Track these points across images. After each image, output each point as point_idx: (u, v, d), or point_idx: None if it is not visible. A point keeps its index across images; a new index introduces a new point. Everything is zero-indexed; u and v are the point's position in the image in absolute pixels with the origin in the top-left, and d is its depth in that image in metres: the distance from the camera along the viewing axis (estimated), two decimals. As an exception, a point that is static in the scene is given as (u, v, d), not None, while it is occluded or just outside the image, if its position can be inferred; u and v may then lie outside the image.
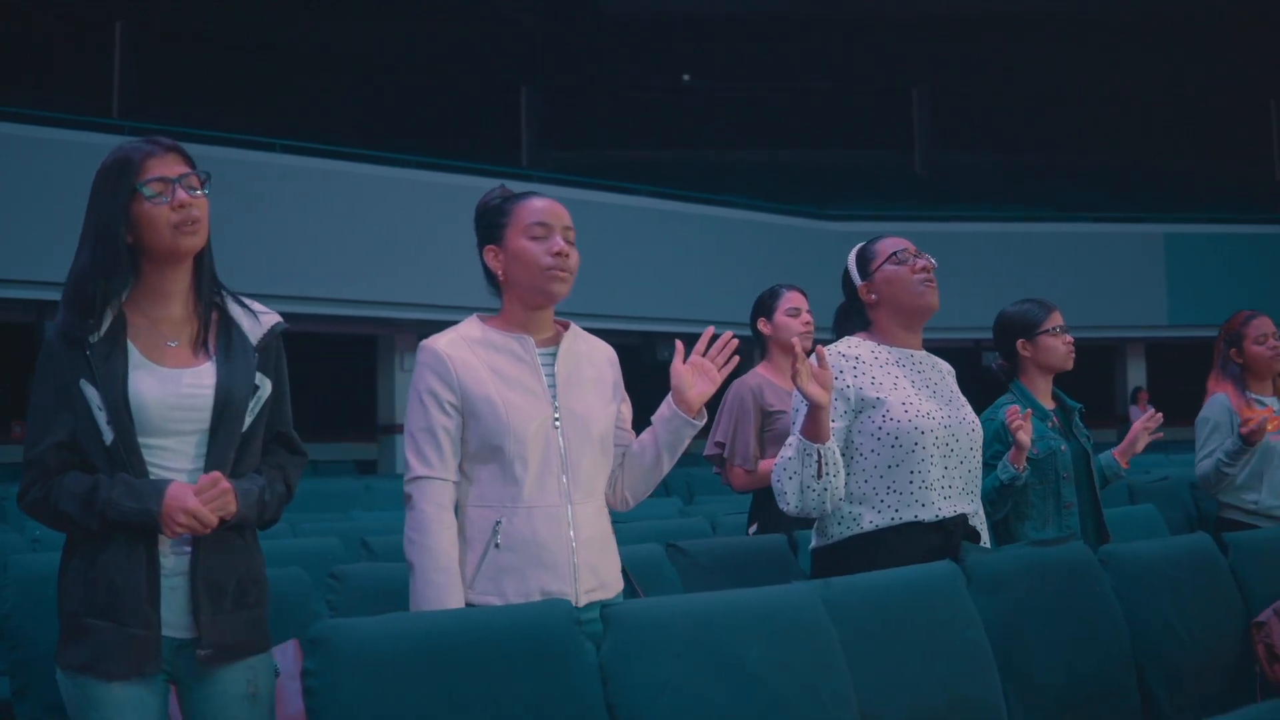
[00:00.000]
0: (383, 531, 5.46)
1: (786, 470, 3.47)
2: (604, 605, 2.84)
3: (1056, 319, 4.52)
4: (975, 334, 18.84)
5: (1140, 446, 4.71)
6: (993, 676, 3.33)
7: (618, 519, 3.59)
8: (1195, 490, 7.30)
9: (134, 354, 2.72)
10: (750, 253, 17.65)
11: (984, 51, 21.88)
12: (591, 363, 3.23)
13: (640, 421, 3.32)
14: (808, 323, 4.97)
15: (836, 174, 22.89)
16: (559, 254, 3.10)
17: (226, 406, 2.75)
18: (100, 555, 2.67)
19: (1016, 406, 4.22)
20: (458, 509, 3.06)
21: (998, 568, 3.54)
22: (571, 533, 3.05)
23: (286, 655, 3.18)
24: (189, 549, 2.72)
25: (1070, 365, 4.52)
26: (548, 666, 2.64)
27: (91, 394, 2.67)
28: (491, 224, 3.19)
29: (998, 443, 4.25)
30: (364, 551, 4.63)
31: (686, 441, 3.22)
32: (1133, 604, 3.79)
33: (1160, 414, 4.72)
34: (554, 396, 3.10)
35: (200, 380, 2.75)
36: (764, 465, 4.77)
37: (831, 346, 3.65)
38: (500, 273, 3.15)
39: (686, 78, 24.02)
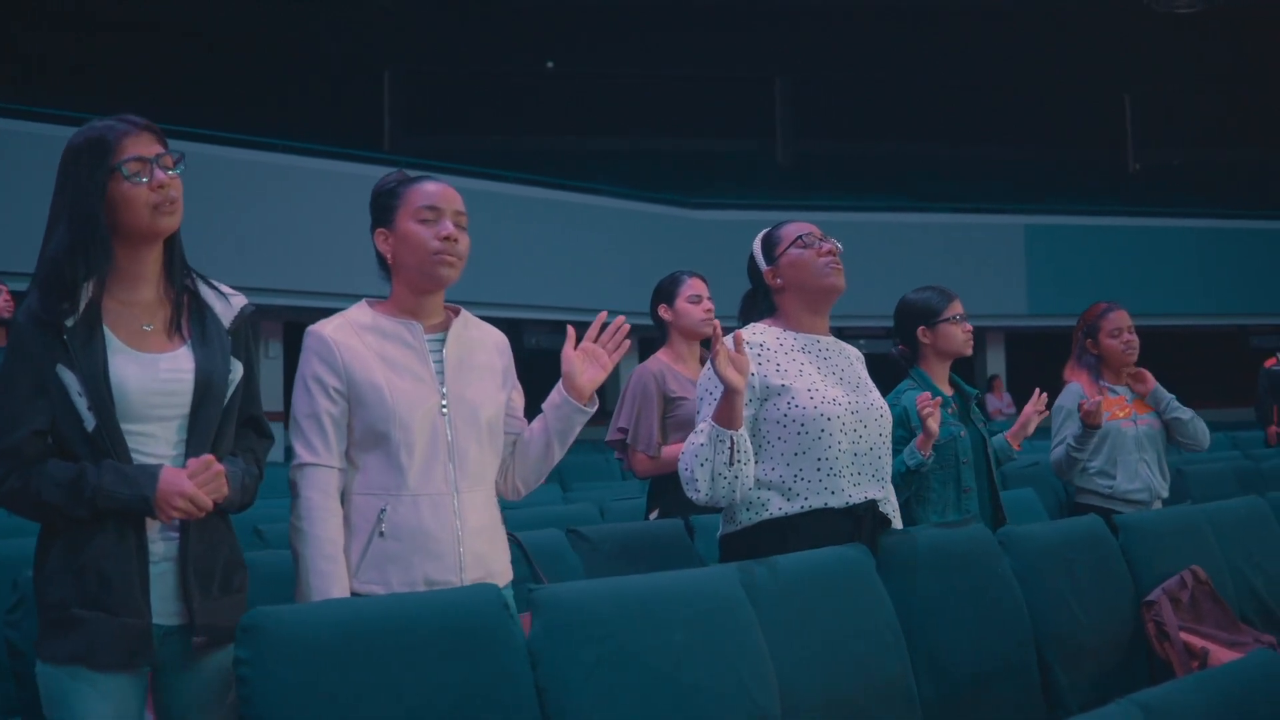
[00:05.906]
0: (272, 520, 5.39)
1: (698, 457, 3.36)
2: (531, 589, 2.83)
3: (957, 307, 4.65)
4: (838, 322, 19.16)
5: (1031, 429, 4.85)
6: (903, 656, 3.40)
7: (509, 506, 3.56)
8: (1065, 475, 7.47)
9: (111, 339, 2.65)
10: (615, 240, 17.66)
11: (846, 42, 22.10)
12: (482, 349, 3.20)
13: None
14: (709, 309, 5.01)
15: (701, 162, 23.02)
16: (447, 238, 3.09)
17: (207, 391, 2.71)
18: (88, 544, 2.60)
19: (927, 394, 4.27)
20: (343, 496, 3.01)
21: (905, 551, 3.61)
22: (458, 521, 3.01)
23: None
24: (176, 534, 2.67)
25: (969, 351, 4.66)
26: (478, 651, 2.64)
27: (70, 379, 2.59)
28: (383, 207, 3.17)
29: (900, 428, 4.30)
30: (257, 539, 4.58)
31: (578, 429, 3.22)
32: (1031, 585, 3.89)
33: (1045, 395, 4.91)
34: (442, 383, 3.06)
35: (178, 365, 2.71)
36: (667, 451, 4.78)
37: (734, 334, 3.59)
38: (389, 256, 3.13)
39: (550, 64, 23.94)
